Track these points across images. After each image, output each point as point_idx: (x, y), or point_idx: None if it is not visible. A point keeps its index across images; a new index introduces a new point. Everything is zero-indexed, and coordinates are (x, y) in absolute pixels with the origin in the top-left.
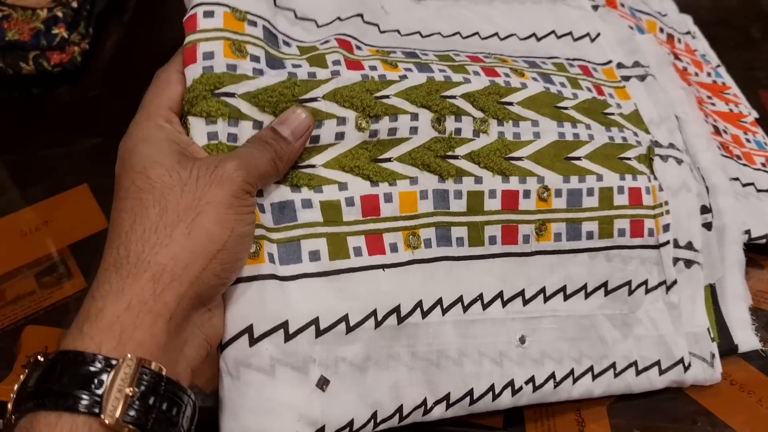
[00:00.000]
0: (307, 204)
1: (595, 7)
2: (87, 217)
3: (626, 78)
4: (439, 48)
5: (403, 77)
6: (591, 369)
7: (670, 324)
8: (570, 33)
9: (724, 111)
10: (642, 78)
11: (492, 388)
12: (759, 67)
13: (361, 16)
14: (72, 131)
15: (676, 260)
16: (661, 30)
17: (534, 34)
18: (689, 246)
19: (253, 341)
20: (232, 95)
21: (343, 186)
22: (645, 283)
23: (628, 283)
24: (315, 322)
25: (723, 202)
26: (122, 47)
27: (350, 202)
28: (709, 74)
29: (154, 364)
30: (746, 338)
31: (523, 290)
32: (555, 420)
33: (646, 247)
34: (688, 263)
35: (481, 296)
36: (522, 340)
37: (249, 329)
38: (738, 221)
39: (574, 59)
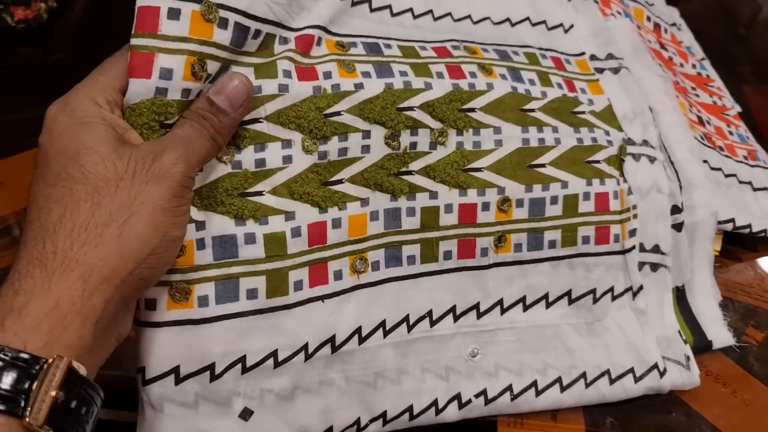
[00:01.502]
0: (250, 239)
1: None
2: None
3: (600, 70)
4: (407, 35)
5: (359, 86)
6: (559, 380)
7: (638, 330)
8: (544, 21)
9: (708, 103)
10: (616, 71)
11: (435, 402)
12: (743, 62)
13: None
14: (34, 95)
15: (641, 264)
16: (648, 18)
17: (508, 19)
18: (656, 249)
19: (178, 380)
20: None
21: (290, 215)
22: (611, 290)
23: (593, 291)
24: (242, 360)
25: (698, 197)
26: (92, 10)
27: (296, 232)
28: (694, 66)
29: (75, 365)
30: (719, 333)
31: (478, 303)
32: None
33: (612, 254)
34: (655, 267)
35: (430, 313)
36: (473, 353)
37: (175, 370)
38: (711, 217)
39: (547, 49)
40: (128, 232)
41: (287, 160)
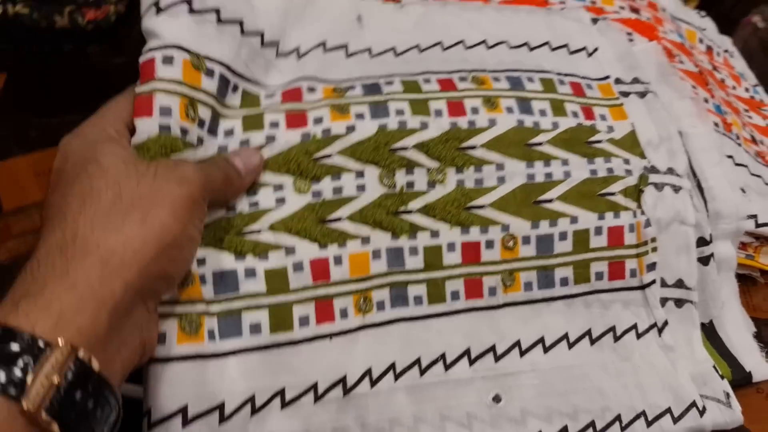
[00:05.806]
0: (251, 273)
1: (594, 21)
2: None
3: (625, 94)
4: (411, 69)
5: (351, 129)
6: (592, 424)
7: (670, 367)
8: (566, 45)
9: (761, 125)
10: (642, 95)
11: None
12: None
13: (323, 45)
14: (96, 95)
15: (664, 300)
16: (701, 41)
17: (527, 43)
18: (679, 284)
19: (186, 422)
20: None
21: (290, 250)
22: (634, 327)
23: (612, 329)
24: (251, 400)
25: (723, 227)
26: None
27: (298, 267)
28: (747, 89)
29: (83, 353)
30: (758, 364)
31: (494, 346)
32: None
33: (629, 289)
34: (679, 302)
35: (443, 356)
36: (496, 399)
37: (183, 410)
38: (733, 247)
39: (566, 74)
40: (151, 220)
41: (280, 201)
